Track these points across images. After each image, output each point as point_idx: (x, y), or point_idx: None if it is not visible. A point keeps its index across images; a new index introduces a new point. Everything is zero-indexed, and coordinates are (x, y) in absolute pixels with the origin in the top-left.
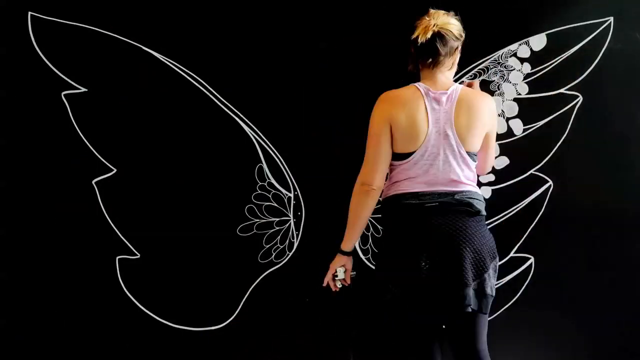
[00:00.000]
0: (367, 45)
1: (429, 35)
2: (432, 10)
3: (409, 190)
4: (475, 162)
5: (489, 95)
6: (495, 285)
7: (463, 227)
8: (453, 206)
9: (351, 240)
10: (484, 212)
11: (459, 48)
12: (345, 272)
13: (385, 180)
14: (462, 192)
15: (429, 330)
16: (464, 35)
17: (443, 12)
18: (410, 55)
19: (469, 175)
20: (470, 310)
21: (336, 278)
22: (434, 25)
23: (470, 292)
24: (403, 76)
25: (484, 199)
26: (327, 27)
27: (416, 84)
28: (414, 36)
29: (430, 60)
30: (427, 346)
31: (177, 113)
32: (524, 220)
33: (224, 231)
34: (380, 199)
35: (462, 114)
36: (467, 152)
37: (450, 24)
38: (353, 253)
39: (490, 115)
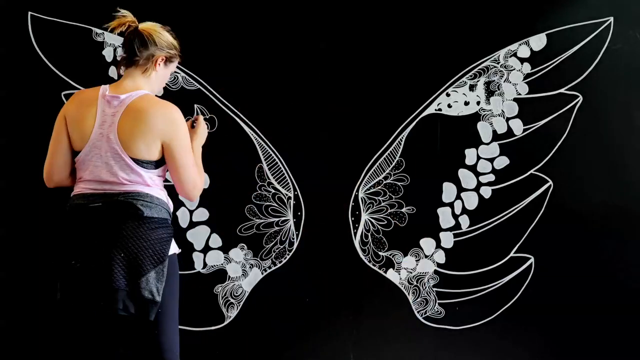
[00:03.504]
0: (367, 45)
1: (124, 28)
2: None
3: (79, 192)
4: (151, 170)
5: (172, 106)
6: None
7: (119, 229)
8: (116, 207)
9: None
10: (154, 215)
11: (163, 62)
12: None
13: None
14: (127, 192)
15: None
16: (173, 52)
17: (159, 25)
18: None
19: (137, 179)
20: (121, 313)
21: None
22: (133, 23)
23: (122, 294)
24: (403, 76)
25: (164, 203)
26: (327, 27)
27: (103, 86)
28: (107, 25)
29: (125, 62)
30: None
31: None
32: (524, 220)
33: (224, 231)
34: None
35: (128, 120)
36: (133, 158)
37: (156, 31)
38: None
39: (165, 124)
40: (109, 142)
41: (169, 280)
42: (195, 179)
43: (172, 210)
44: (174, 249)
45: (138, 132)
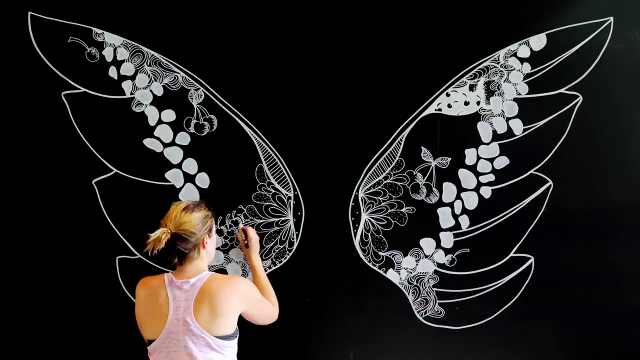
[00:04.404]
0: (367, 45)
1: (163, 244)
2: (171, 208)
3: None
4: (231, 340)
5: (238, 279)
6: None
7: None
8: None
9: None
10: None
11: (207, 237)
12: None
13: None
14: None
15: None
16: (208, 223)
17: (182, 206)
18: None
19: (216, 356)
20: None
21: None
22: (166, 234)
23: None
24: (402, 76)
25: None
26: (327, 27)
27: (165, 274)
28: (146, 250)
29: (176, 259)
30: None
31: (176, 112)
32: (524, 220)
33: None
34: None
35: (204, 302)
36: (216, 336)
37: (185, 222)
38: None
39: (240, 299)
40: (186, 326)
41: None
42: (271, 313)
43: None
44: None
45: (216, 314)
